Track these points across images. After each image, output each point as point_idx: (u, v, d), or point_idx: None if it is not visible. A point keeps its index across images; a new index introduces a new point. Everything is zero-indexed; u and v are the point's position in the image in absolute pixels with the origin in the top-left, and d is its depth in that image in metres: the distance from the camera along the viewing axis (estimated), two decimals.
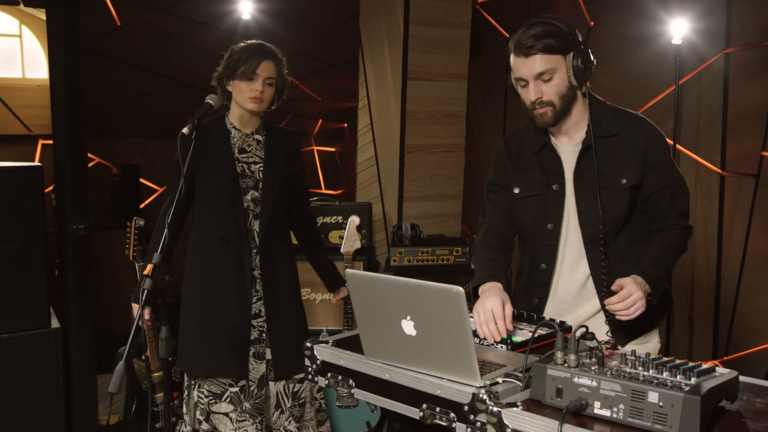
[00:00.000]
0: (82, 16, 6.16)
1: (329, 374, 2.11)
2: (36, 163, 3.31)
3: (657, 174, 2.34)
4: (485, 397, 1.72)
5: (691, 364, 1.73)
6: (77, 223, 3.39)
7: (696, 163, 4.64)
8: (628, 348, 2.34)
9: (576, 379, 1.68)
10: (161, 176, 7.54)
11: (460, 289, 1.72)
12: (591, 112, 2.34)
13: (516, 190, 2.43)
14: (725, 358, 4.50)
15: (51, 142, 7.01)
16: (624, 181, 2.30)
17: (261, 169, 3.09)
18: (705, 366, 1.72)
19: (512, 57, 2.27)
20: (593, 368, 1.69)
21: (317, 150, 7.78)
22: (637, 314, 2.19)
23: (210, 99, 2.75)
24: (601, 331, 2.37)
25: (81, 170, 3.41)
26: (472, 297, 2.30)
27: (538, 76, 2.22)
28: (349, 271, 1.95)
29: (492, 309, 2.11)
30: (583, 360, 1.74)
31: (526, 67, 2.23)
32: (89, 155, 7.16)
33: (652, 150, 2.32)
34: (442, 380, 1.82)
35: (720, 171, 4.49)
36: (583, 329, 1.88)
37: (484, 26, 5.98)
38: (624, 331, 2.35)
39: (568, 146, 2.37)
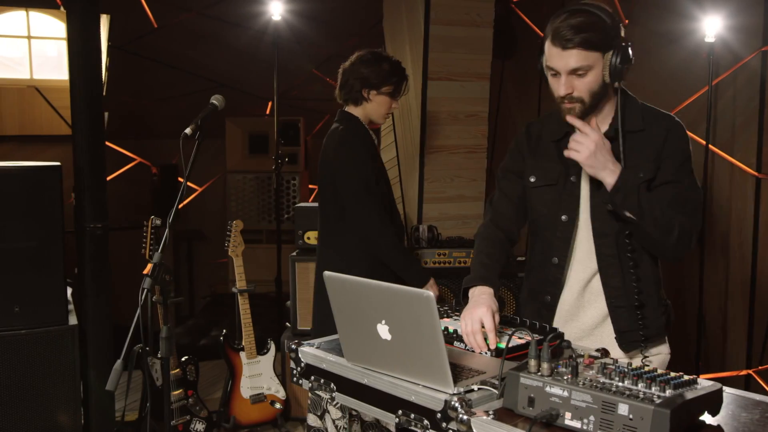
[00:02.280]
0: (119, 20, 6.31)
1: (312, 377, 2.09)
2: (55, 162, 3.35)
3: (668, 168, 2.18)
4: (457, 404, 1.68)
5: (672, 375, 1.66)
6: (95, 222, 3.44)
7: (731, 165, 4.49)
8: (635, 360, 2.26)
9: (548, 389, 1.63)
10: (200, 176, 7.66)
11: (430, 293, 1.68)
12: (619, 105, 2.21)
13: (532, 179, 2.32)
14: (760, 367, 4.34)
15: None
16: (641, 174, 2.17)
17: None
18: (686, 378, 1.64)
19: (548, 44, 2.12)
20: (566, 378, 1.64)
21: None
22: (578, 153, 2.08)
23: (215, 99, 2.75)
24: (610, 339, 2.27)
25: (99, 170, 3.46)
26: (462, 298, 2.24)
27: (573, 71, 2.09)
28: (326, 273, 1.93)
29: (481, 320, 2.03)
30: (559, 369, 1.69)
31: (561, 59, 2.09)
32: (130, 155, 7.33)
33: (670, 142, 2.19)
34: (418, 386, 1.79)
35: (756, 173, 4.34)
36: (559, 336, 1.82)
37: (519, 26, 5.90)
38: (629, 336, 2.25)
39: None
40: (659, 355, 2.32)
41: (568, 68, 2.09)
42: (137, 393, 4.00)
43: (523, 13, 5.81)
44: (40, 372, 3.34)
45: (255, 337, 4.00)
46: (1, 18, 7.32)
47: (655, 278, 2.31)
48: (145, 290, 2.52)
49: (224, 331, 4.00)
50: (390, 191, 3.29)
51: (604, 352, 1.99)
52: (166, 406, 2.60)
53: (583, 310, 2.31)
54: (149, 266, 2.56)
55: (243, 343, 3.94)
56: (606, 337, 2.28)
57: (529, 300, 2.42)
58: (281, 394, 4.03)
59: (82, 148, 3.42)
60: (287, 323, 4.29)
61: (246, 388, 3.93)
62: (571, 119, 2.13)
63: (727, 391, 1.78)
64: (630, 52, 2.10)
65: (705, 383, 1.66)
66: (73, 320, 3.45)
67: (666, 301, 2.36)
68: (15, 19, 7.37)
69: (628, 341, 2.25)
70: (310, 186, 7.65)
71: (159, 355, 2.61)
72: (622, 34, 2.13)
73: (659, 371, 1.68)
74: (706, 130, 4.34)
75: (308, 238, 4.08)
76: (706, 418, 1.62)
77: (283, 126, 7.00)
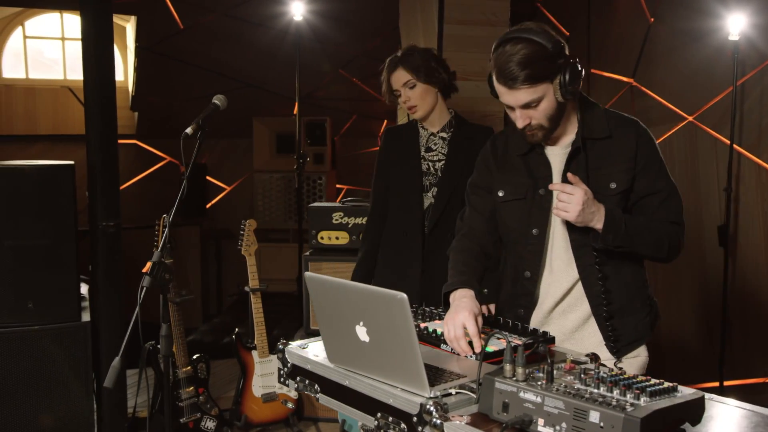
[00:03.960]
0: (146, 21, 6.40)
1: (298, 378, 2.08)
2: (68, 161, 3.40)
3: (646, 179, 2.20)
4: (432, 408, 1.65)
5: (652, 381, 1.61)
6: (107, 221, 3.48)
7: (758, 166, 4.37)
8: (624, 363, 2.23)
9: (522, 394, 1.59)
10: (228, 175, 7.74)
11: (404, 295, 1.65)
12: (581, 114, 2.22)
13: (500, 194, 2.31)
14: None
15: (127, 141, 7.33)
16: (613, 185, 2.18)
17: (443, 166, 3.15)
18: (666, 385, 1.59)
19: (494, 78, 2.09)
20: (539, 383, 1.60)
21: None
22: (567, 213, 2.06)
23: (216, 100, 2.76)
24: (593, 341, 2.26)
25: (112, 169, 3.50)
26: (443, 304, 2.21)
27: (525, 106, 2.08)
28: (307, 274, 1.92)
29: (464, 324, 2.00)
30: (537, 374, 1.65)
31: (510, 96, 2.08)
32: (160, 154, 7.43)
33: (642, 153, 2.19)
34: (396, 389, 1.76)
35: None
36: (532, 340, 1.78)
37: (545, 24, 5.83)
38: (617, 338, 2.23)
39: (557, 149, 2.25)
40: (638, 358, 2.29)
41: (519, 104, 2.09)
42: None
43: (549, 12, 5.74)
44: (53, 367, 3.39)
45: (268, 336, 4.01)
46: (38, 20, 7.47)
47: (640, 281, 2.30)
48: (144, 288, 2.54)
49: (237, 329, 4.02)
50: (407, 192, 3.18)
51: (594, 357, 1.95)
52: (167, 404, 2.62)
53: (565, 315, 2.29)
54: (148, 264, 2.58)
55: (255, 342, 3.95)
56: (587, 340, 2.27)
57: (503, 313, 2.39)
58: (293, 393, 4.03)
59: (95, 147, 3.46)
60: None
61: (258, 387, 3.94)
62: (551, 186, 2.15)
63: (716, 400, 1.73)
64: (578, 66, 2.06)
65: (686, 391, 1.61)
66: (86, 317, 3.50)
67: (651, 301, 2.34)
68: (50, 21, 7.53)
69: (613, 350, 2.24)
70: (338, 185, 7.67)
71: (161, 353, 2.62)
72: (567, 50, 2.08)
73: (639, 378, 1.64)
74: (731, 131, 4.24)
75: (321, 238, 4.08)
76: (687, 427, 1.57)
77: (309, 126, 7.03)
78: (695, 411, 1.59)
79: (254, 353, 3.96)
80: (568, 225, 2.19)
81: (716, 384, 4.28)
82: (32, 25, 7.48)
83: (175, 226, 6.87)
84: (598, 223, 2.09)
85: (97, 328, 3.53)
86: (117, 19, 7.14)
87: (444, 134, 3.16)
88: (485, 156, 2.40)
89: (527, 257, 2.28)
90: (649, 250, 2.19)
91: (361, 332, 1.80)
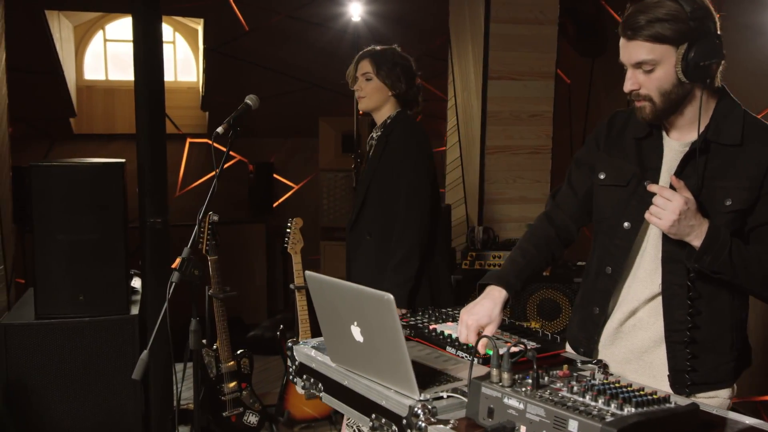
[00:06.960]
0: (213, 23, 6.56)
1: (305, 376, 2.10)
2: (119, 159, 3.53)
3: None
4: (420, 411, 1.64)
5: (645, 392, 1.55)
6: (155, 217, 3.58)
7: None
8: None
9: (506, 400, 1.56)
10: (296, 174, 7.84)
11: (390, 296, 1.64)
12: (715, 112, 1.94)
13: (601, 176, 2.09)
14: None
15: (199, 140, 7.53)
16: (728, 202, 1.89)
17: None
18: (657, 396, 1.53)
19: (619, 32, 1.91)
20: (524, 390, 1.56)
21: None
22: (660, 220, 1.84)
23: (249, 99, 2.81)
24: (661, 370, 2.02)
25: (160, 167, 3.60)
26: (478, 293, 2.16)
27: (638, 64, 1.88)
28: (308, 273, 1.93)
29: (469, 327, 1.97)
30: (527, 380, 1.61)
31: (626, 51, 1.89)
32: (230, 153, 7.59)
33: None
34: (390, 391, 1.76)
35: None
36: (521, 346, 1.74)
37: (610, 23, 5.68)
38: (687, 377, 1.97)
39: (675, 143, 1.98)
40: (715, 399, 1.99)
41: (632, 61, 1.88)
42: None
43: (612, 9, 5.59)
44: (102, 358, 3.53)
45: (312, 334, 4.04)
46: (117, 24, 7.76)
47: (738, 319, 2.01)
48: (173, 284, 2.60)
49: (281, 326, 4.07)
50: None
51: (604, 366, 1.90)
52: (195, 398, 2.68)
53: (635, 331, 2.06)
54: (178, 260, 2.64)
55: (300, 340, 3.99)
56: (656, 367, 2.03)
57: (579, 308, 2.22)
58: None
59: (144, 145, 3.57)
60: None
61: None
62: (649, 187, 1.91)
63: (719, 414, 1.65)
64: (714, 45, 1.84)
65: (682, 401, 1.54)
66: (134, 310, 3.62)
67: (743, 344, 2.04)
68: (129, 24, 7.81)
69: (682, 383, 1.97)
70: None
71: (190, 347, 2.69)
72: (714, 25, 1.87)
73: (632, 387, 1.58)
74: None
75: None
76: None
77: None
78: (686, 423, 1.52)
79: None
80: (665, 235, 1.94)
81: None
82: (113, 29, 7.77)
83: (241, 223, 7.05)
84: (696, 240, 1.85)
85: (144, 321, 3.64)
86: (189, 22, 7.35)
87: (375, 134, 3.13)
88: (598, 131, 2.18)
89: (613, 251, 2.05)
90: (756, 285, 1.91)
91: (356, 332, 1.80)
